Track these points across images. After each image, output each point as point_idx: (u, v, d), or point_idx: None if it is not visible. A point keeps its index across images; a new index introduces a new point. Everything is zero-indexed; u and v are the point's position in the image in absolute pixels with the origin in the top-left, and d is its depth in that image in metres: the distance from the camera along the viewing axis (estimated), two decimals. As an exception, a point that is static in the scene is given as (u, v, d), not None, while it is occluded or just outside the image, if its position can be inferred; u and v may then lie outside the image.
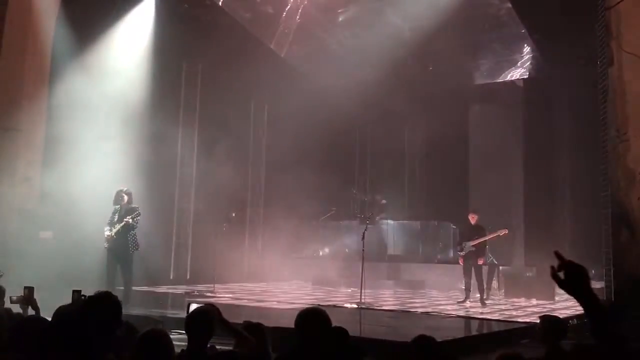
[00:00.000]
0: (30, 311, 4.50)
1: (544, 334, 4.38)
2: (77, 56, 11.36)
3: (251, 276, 14.49)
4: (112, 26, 11.98)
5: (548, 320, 4.49)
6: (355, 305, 9.85)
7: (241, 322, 4.01)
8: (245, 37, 14.40)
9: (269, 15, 14.74)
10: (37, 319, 3.34)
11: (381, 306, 10.22)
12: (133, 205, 8.81)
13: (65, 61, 11.28)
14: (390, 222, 15.37)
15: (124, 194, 8.79)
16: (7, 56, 10.87)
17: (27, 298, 4.47)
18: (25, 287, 4.56)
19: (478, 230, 10.87)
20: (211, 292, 11.01)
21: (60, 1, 11.40)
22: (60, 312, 3.48)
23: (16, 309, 4.59)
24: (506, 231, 10.93)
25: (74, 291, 4.25)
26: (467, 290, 10.81)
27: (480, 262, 10.74)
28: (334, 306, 9.80)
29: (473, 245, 10.71)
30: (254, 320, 3.89)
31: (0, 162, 10.58)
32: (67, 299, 4.29)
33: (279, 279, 14.60)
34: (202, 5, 13.51)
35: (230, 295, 10.93)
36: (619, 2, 9.00)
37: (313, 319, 3.41)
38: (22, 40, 11.09)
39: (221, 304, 8.42)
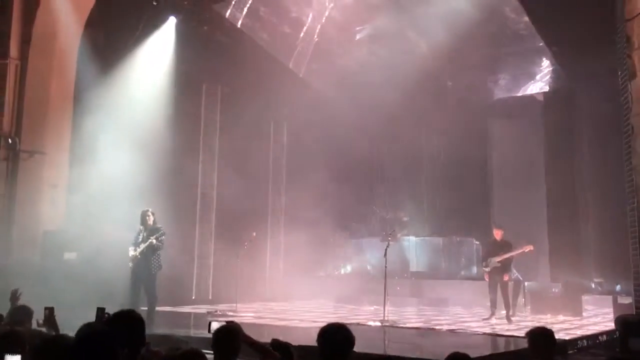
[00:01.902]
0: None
1: (534, 349, 4.13)
2: (100, 79, 11.58)
3: (273, 295, 14.45)
4: (133, 49, 12.21)
5: (538, 334, 4.24)
6: (378, 323, 9.76)
7: (264, 341, 3.99)
8: (264, 57, 14.56)
9: (287, 35, 14.91)
10: (61, 337, 3.35)
11: (405, 324, 10.11)
12: (157, 226, 8.89)
13: (88, 84, 11.50)
14: (412, 238, 15.26)
15: (150, 214, 8.88)
16: (32, 81, 11.13)
17: (48, 318, 4.52)
18: (46, 308, 4.61)
19: (503, 246, 10.72)
20: (233, 311, 10.99)
21: (84, 26, 11.67)
22: (84, 330, 3.49)
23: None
24: (531, 247, 10.77)
25: (98, 308, 4.28)
26: (493, 306, 10.65)
27: (506, 278, 10.58)
28: (357, 324, 9.71)
29: (498, 261, 10.56)
30: (275, 339, 3.87)
31: (25, 185, 10.79)
32: (92, 319, 4.31)
33: (301, 297, 14.53)
34: (221, 27, 13.71)
35: (253, 314, 10.89)
36: (639, 14, 8.92)
37: (335, 334, 3.38)
38: (47, 65, 11.36)
39: (244, 323, 8.40)
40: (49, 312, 4.57)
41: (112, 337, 2.84)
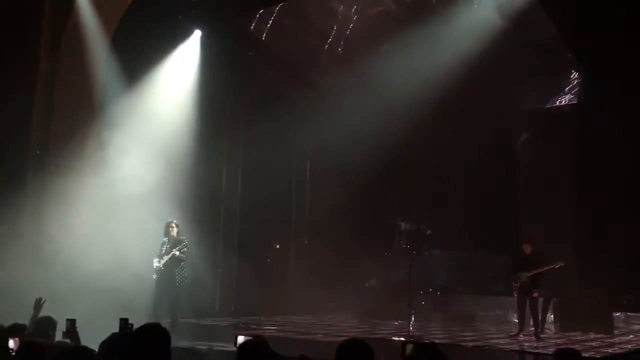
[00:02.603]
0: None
1: None
2: (126, 92, 11.71)
3: (296, 308, 14.35)
4: (159, 62, 12.33)
5: (565, 355, 4.07)
6: (403, 339, 9.59)
7: (287, 355, 3.92)
8: (288, 70, 14.59)
9: (311, 48, 14.92)
10: (82, 349, 3.32)
11: (430, 339, 9.91)
12: (181, 237, 8.90)
13: (114, 97, 11.63)
14: (437, 252, 15.06)
15: (173, 226, 8.90)
16: (60, 94, 11.29)
17: (69, 330, 4.55)
18: (67, 320, 4.64)
19: (533, 261, 10.47)
20: (256, 324, 10.93)
21: (111, 40, 11.83)
22: (107, 343, 3.46)
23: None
24: (562, 263, 10.51)
25: (120, 319, 4.28)
26: (521, 323, 10.40)
27: (536, 294, 10.34)
28: (381, 339, 9.57)
29: (528, 277, 10.33)
30: (303, 354, 3.78)
31: (51, 198, 10.90)
32: (115, 330, 4.29)
33: (325, 310, 14.41)
34: (245, 39, 13.81)
35: (276, 328, 10.82)
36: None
37: (355, 351, 3.29)
38: (75, 79, 11.51)
39: (267, 336, 8.32)
40: (70, 324, 4.61)
41: (135, 354, 2.80)
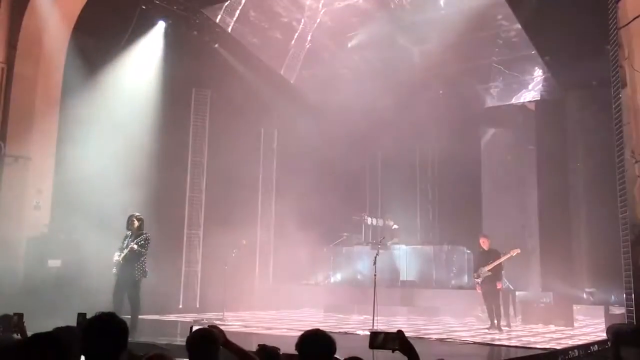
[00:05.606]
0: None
1: None
2: (88, 84, 11.46)
3: (262, 304, 14.27)
4: (122, 54, 12.09)
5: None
6: (367, 332, 9.60)
7: (252, 350, 3.86)
8: (254, 63, 14.47)
9: (279, 41, 14.81)
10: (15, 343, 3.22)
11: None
12: (142, 231, 8.71)
13: (75, 89, 11.36)
14: (403, 247, 15.15)
15: (134, 219, 8.71)
16: (18, 86, 10.97)
17: (17, 324, 4.45)
18: (15, 314, 4.55)
19: (492, 254, 10.67)
20: (221, 320, 10.82)
21: (71, 30, 11.54)
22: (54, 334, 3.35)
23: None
24: (518, 250, 10.72)
25: (78, 314, 4.22)
26: (491, 315, 10.54)
27: (499, 286, 10.52)
28: (346, 333, 9.56)
29: (489, 270, 10.49)
30: (262, 344, 3.74)
31: (10, 190, 10.60)
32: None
33: (290, 306, 14.36)
34: (211, 32, 13.62)
35: (240, 323, 10.72)
36: (630, 22, 8.90)
37: (316, 341, 3.25)
38: (34, 70, 11.20)
39: (231, 332, 8.21)
40: (18, 318, 4.53)
41: (60, 343, 2.71)
